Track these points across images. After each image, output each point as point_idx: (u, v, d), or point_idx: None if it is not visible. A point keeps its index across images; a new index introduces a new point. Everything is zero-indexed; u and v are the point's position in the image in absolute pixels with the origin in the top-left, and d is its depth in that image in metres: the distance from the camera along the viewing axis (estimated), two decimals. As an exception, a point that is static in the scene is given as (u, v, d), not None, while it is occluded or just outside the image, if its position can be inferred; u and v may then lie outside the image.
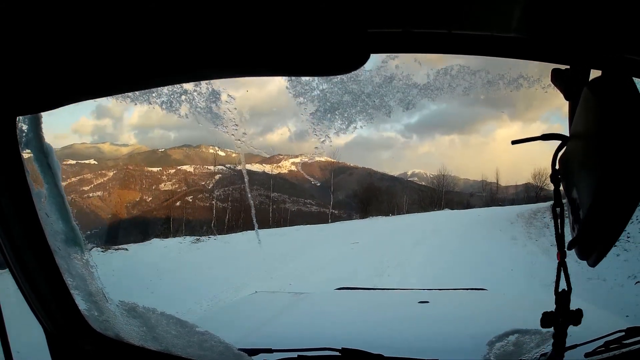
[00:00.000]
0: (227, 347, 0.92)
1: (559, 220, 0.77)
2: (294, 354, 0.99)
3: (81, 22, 0.52)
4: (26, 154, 0.69)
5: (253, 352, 1.00)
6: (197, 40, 0.53)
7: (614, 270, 5.80)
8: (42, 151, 0.72)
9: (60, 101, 0.62)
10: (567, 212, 0.78)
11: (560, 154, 0.77)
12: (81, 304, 0.80)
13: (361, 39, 0.55)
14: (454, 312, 1.62)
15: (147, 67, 0.57)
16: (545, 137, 0.80)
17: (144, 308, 0.90)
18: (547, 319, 0.78)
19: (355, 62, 0.55)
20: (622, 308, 4.58)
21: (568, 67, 0.72)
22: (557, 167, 0.77)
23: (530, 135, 0.81)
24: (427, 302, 1.62)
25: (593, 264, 0.71)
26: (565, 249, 0.76)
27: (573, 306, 0.79)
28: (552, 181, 0.77)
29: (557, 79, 0.74)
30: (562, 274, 0.79)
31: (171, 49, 0.54)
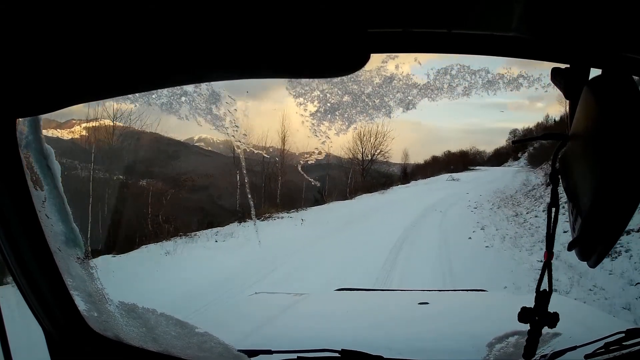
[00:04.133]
0: (226, 348, 0.92)
1: (552, 220, 0.77)
2: (294, 355, 0.99)
3: (82, 23, 0.52)
4: (26, 156, 0.69)
5: (252, 353, 1.00)
6: (197, 42, 0.53)
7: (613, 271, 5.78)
8: (42, 153, 0.72)
9: (61, 103, 0.62)
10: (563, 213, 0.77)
11: (560, 153, 0.77)
12: (81, 305, 0.80)
13: (361, 40, 0.55)
14: (454, 313, 1.62)
15: (148, 69, 0.57)
16: (546, 136, 0.80)
17: (144, 309, 0.90)
18: (524, 315, 0.80)
19: (356, 62, 0.55)
20: (622, 309, 4.57)
21: (568, 65, 0.72)
22: (557, 166, 0.77)
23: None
24: (427, 303, 1.62)
25: (593, 264, 0.71)
26: (554, 250, 0.76)
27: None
28: (551, 181, 0.77)
29: (557, 77, 0.74)
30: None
31: (171, 50, 0.54)
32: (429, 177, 28.05)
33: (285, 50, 0.54)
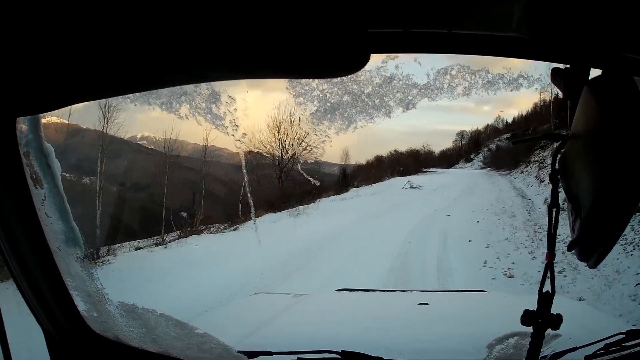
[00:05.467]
0: (226, 349, 0.92)
1: (552, 221, 0.76)
2: (294, 357, 0.99)
3: (81, 23, 0.52)
4: (26, 155, 0.70)
5: (252, 354, 0.99)
6: (197, 42, 0.53)
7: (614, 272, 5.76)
8: (42, 152, 0.72)
9: (61, 102, 0.62)
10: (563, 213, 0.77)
11: (560, 153, 0.76)
12: (81, 305, 0.80)
13: (361, 40, 0.55)
14: (454, 314, 1.61)
15: (148, 69, 0.57)
16: (546, 136, 0.80)
17: (144, 309, 0.90)
18: (527, 318, 0.78)
19: (356, 63, 0.55)
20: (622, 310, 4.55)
21: (568, 66, 0.72)
22: (556, 166, 0.76)
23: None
24: (427, 304, 1.62)
25: (593, 265, 0.70)
26: (555, 252, 0.75)
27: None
28: (550, 181, 0.77)
29: (557, 78, 0.74)
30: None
31: (171, 50, 0.54)
32: (375, 182, 20.05)
33: (286, 51, 0.54)
